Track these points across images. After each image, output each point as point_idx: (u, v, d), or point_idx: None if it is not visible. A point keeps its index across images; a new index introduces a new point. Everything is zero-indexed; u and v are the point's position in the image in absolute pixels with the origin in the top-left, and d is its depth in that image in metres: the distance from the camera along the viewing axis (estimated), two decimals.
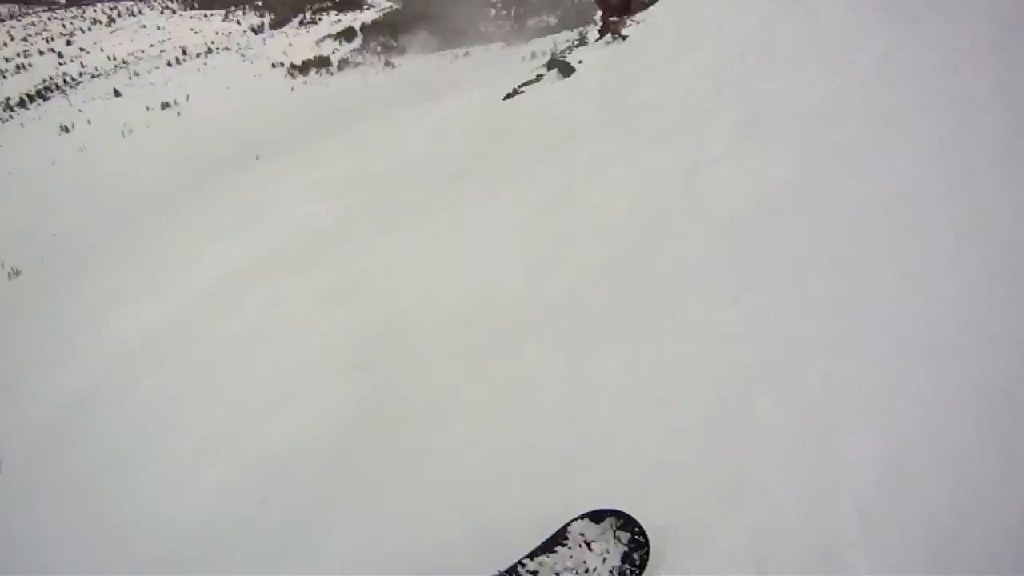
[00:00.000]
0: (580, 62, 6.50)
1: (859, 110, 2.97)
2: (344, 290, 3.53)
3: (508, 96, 7.18)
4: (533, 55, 20.51)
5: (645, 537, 1.60)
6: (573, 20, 20.76)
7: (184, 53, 30.26)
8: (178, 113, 26.95)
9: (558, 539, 1.67)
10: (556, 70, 6.89)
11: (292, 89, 29.68)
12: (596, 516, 1.66)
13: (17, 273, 16.58)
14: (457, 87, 13.57)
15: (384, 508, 2.00)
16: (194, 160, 22.66)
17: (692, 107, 3.82)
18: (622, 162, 3.53)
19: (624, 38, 6.38)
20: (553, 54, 9.91)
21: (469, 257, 3.35)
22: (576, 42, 9.33)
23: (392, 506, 2.00)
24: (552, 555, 1.64)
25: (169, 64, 29.87)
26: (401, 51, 24.82)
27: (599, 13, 9.01)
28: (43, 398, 4.06)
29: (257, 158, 19.05)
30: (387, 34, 25.92)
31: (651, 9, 6.94)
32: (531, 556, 1.65)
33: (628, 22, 6.87)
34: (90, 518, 2.63)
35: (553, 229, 3.19)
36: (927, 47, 3.22)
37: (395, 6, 29.75)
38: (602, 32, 7.73)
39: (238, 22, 32.08)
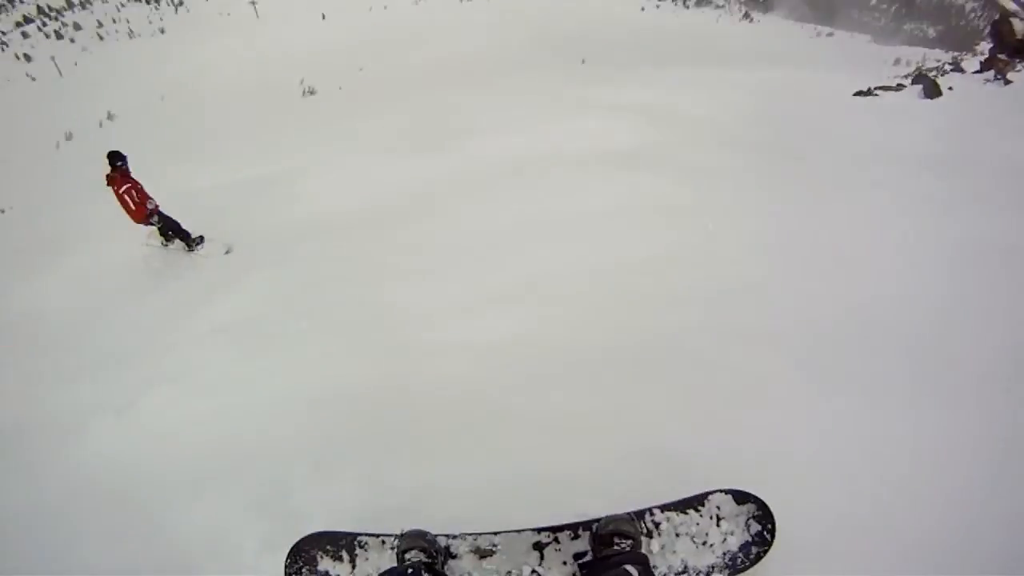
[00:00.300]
0: (950, 88, 6.70)
1: None
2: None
3: (859, 93, 7.48)
4: (897, 61, 19.06)
5: (773, 536, 1.57)
6: (953, 41, 19.00)
7: None
8: None
9: (694, 502, 1.65)
10: (921, 87, 7.05)
11: (642, 9, 30.72)
12: (740, 496, 1.63)
13: (312, 92, 20.71)
14: (805, 64, 13.43)
15: None
16: (515, 41, 24.92)
17: None
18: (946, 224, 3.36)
19: (1008, 82, 6.34)
20: (920, 68, 9.74)
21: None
22: (949, 66, 9.07)
23: None
24: (682, 515, 1.63)
25: None
26: (766, 8, 24.35)
27: (988, 45, 8.50)
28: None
29: (583, 62, 20.82)
30: None
31: None
32: (663, 508, 1.65)
33: (1019, 67, 6.66)
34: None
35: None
36: None
37: None
38: (984, 66, 7.59)
39: None
